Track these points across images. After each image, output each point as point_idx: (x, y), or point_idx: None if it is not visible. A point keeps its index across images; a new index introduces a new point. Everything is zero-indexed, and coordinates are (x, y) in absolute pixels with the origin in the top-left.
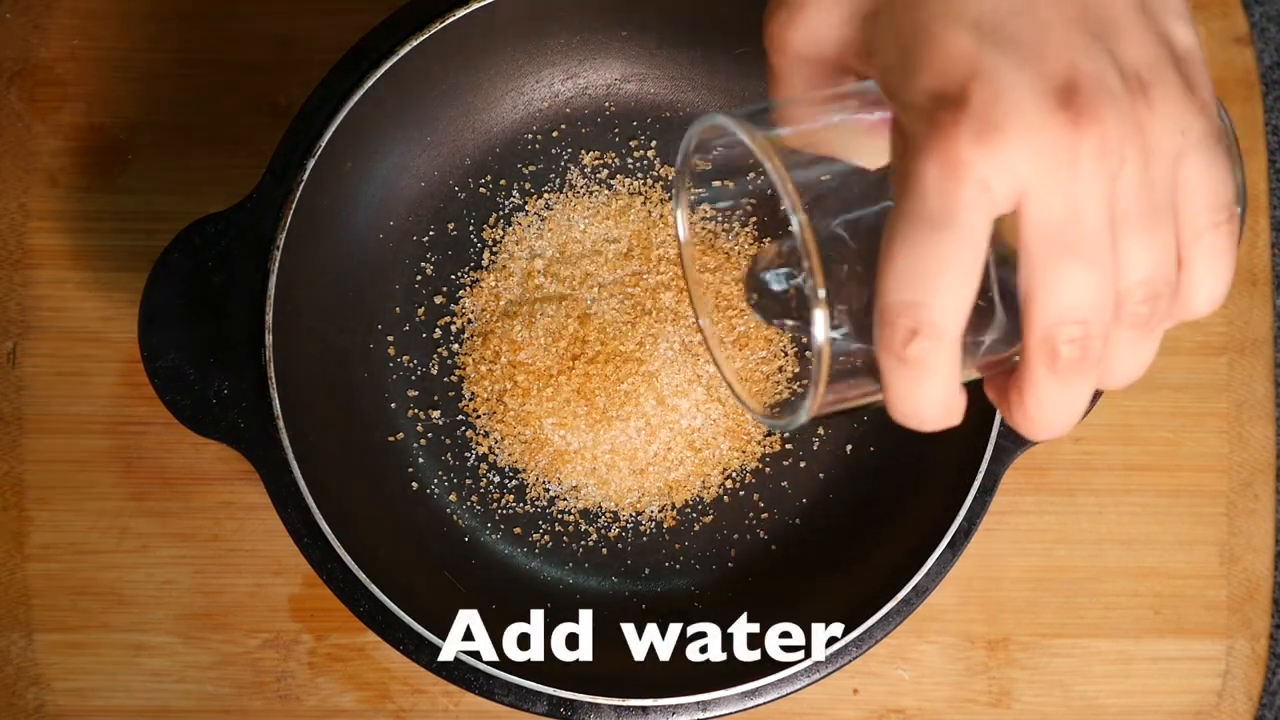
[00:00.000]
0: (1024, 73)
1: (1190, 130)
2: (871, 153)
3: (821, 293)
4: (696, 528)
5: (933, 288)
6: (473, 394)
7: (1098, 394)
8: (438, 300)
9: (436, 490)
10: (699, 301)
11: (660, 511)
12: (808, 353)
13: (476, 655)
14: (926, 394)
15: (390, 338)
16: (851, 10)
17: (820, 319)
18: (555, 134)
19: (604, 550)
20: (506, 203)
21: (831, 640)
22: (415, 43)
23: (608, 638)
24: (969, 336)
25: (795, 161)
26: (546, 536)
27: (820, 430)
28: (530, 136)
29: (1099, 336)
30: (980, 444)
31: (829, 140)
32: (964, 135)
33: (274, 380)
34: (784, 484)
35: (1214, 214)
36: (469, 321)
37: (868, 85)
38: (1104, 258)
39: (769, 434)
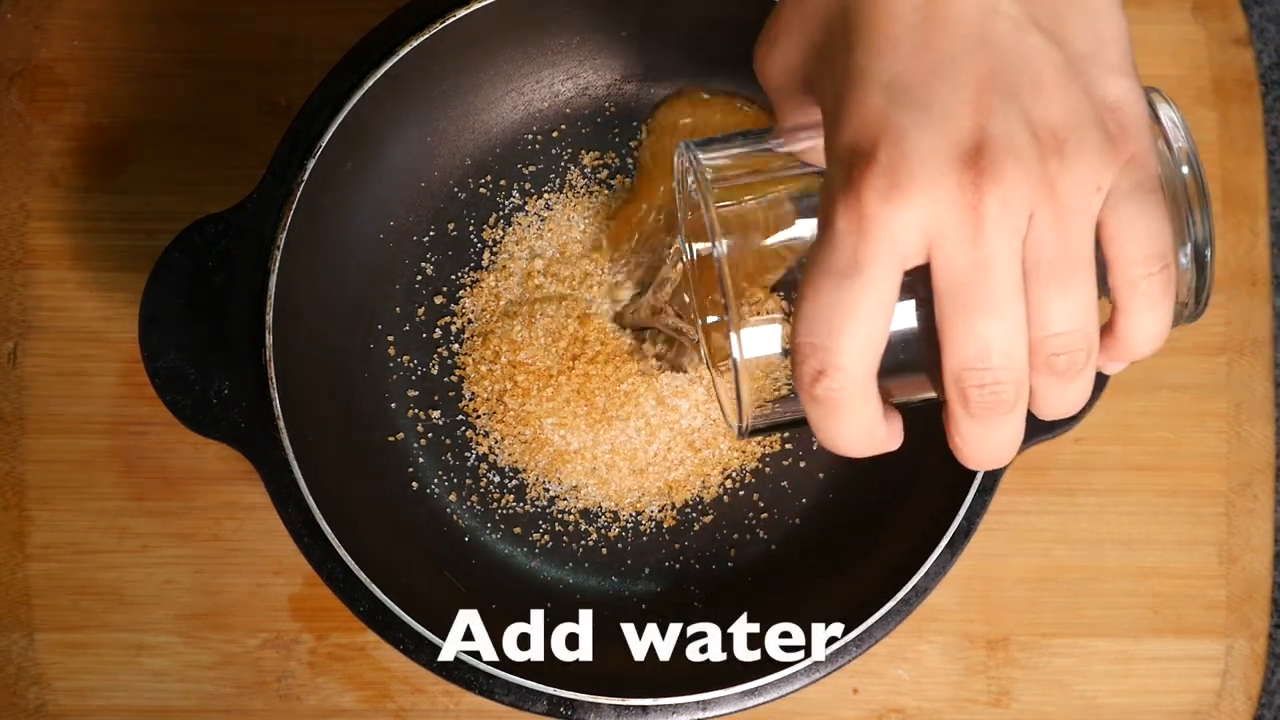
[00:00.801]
0: (929, 133)
1: (1117, 184)
2: None
3: (735, 316)
4: (696, 528)
5: (838, 332)
6: (473, 394)
7: (1098, 389)
8: (438, 300)
9: (436, 490)
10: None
11: (660, 511)
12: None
13: (476, 655)
14: (840, 428)
15: (390, 338)
16: (809, 46)
17: (734, 341)
18: (555, 134)
19: (604, 550)
20: (506, 203)
21: (831, 640)
22: (415, 43)
23: (608, 638)
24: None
25: (742, 188)
26: (546, 536)
27: None
28: (530, 136)
29: (1011, 383)
30: None
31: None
32: (870, 191)
33: (274, 380)
34: (784, 484)
35: (1147, 265)
36: (469, 321)
37: None
38: (1009, 311)
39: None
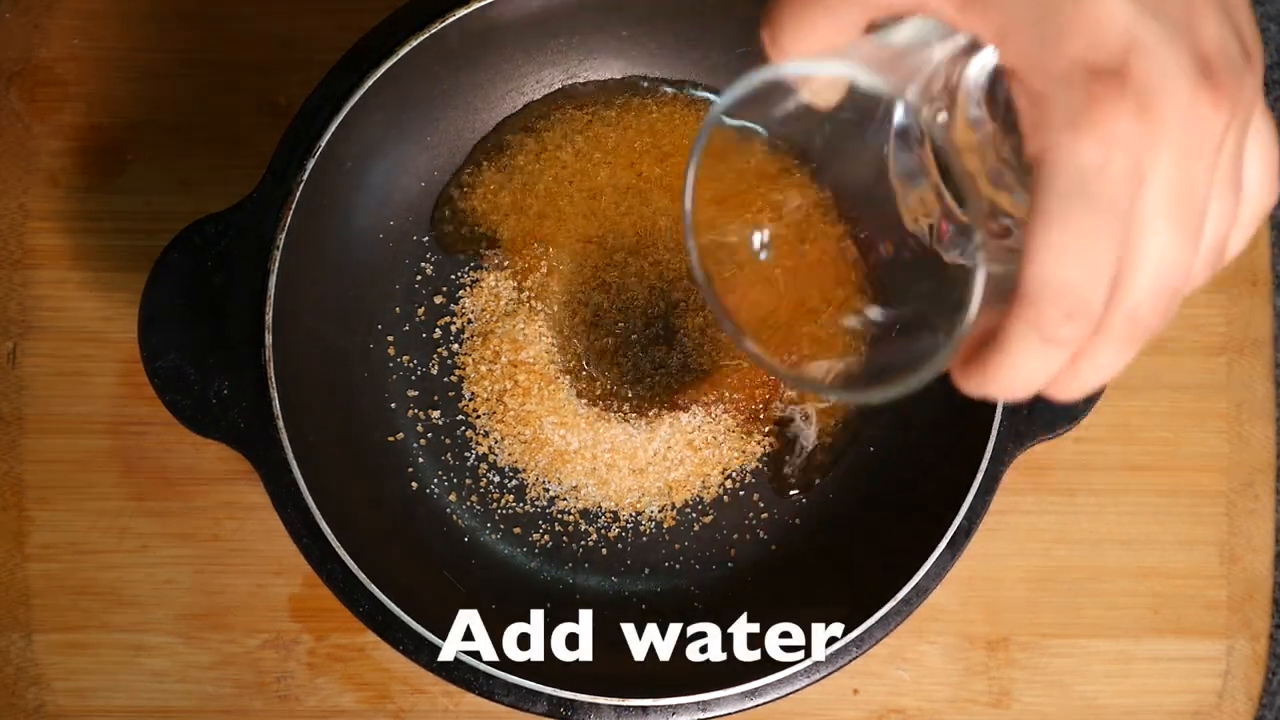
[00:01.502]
0: (1176, 46)
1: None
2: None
3: (978, 207)
4: (696, 528)
5: (1090, 267)
6: (473, 394)
7: (1097, 390)
8: (438, 300)
9: (436, 490)
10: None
11: (660, 511)
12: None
13: (476, 655)
14: (1049, 368)
15: (390, 338)
16: None
17: (979, 254)
18: None
19: (604, 550)
20: None
21: (831, 640)
22: (415, 43)
23: (608, 638)
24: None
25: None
26: (546, 536)
27: None
28: None
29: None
30: (980, 444)
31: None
32: (1125, 112)
33: (274, 380)
34: None
35: (1273, 182)
36: (469, 321)
37: (916, 30)
38: (1201, 226)
39: (768, 433)
